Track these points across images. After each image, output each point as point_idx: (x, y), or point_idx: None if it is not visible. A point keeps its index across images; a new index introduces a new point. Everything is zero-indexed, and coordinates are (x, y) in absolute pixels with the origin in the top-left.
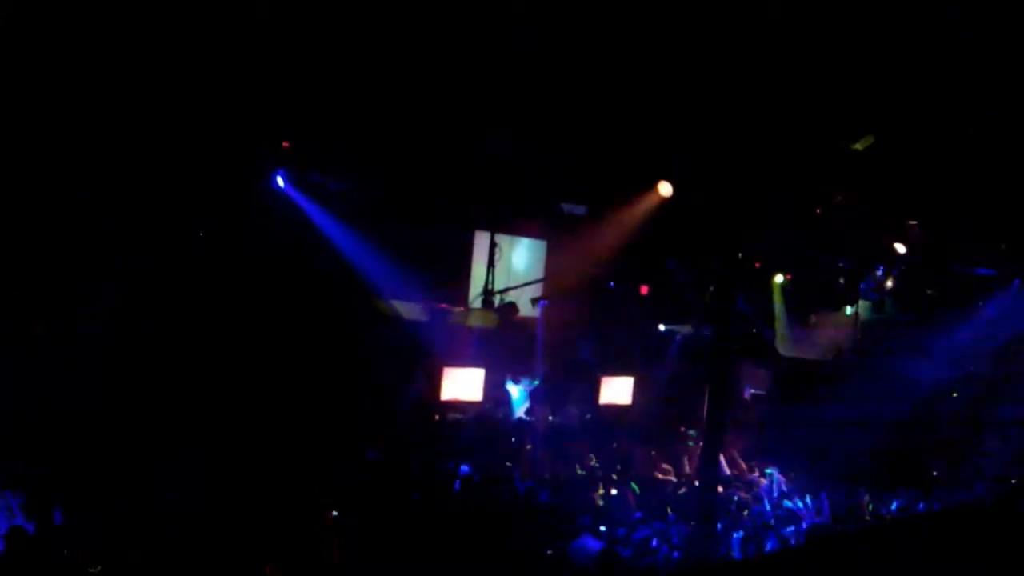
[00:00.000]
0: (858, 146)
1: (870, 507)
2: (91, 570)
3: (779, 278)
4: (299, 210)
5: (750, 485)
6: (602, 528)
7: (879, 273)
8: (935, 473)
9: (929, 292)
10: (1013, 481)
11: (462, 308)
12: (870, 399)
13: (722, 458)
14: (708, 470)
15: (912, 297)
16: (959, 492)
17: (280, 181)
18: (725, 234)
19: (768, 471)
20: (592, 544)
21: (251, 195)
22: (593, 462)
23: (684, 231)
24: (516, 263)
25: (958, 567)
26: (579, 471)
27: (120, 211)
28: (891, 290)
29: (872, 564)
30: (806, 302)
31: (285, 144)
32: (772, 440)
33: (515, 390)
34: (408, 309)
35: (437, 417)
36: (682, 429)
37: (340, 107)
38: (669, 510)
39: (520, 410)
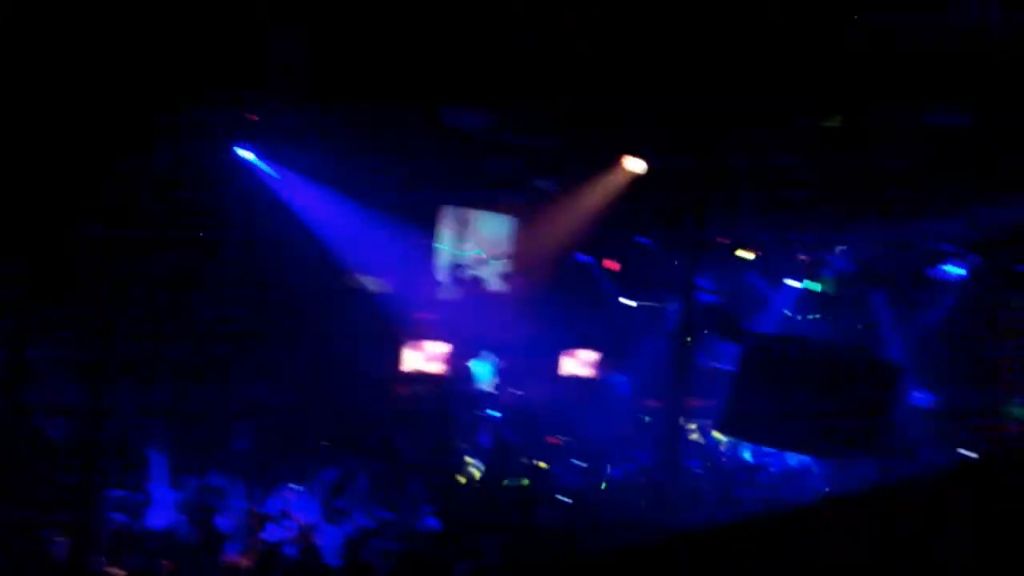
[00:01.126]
0: (827, 124)
1: None
2: None
3: (745, 253)
4: (265, 184)
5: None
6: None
7: (841, 249)
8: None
9: (889, 268)
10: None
11: (429, 282)
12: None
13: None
14: (670, 446)
15: (874, 272)
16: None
17: (247, 154)
18: (692, 211)
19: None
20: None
21: (218, 168)
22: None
23: (653, 207)
24: (484, 238)
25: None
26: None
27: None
28: (852, 266)
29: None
30: (771, 278)
31: (253, 117)
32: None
33: (480, 364)
34: (375, 283)
35: (406, 391)
36: (646, 401)
37: (304, 79)
38: None
39: (487, 384)
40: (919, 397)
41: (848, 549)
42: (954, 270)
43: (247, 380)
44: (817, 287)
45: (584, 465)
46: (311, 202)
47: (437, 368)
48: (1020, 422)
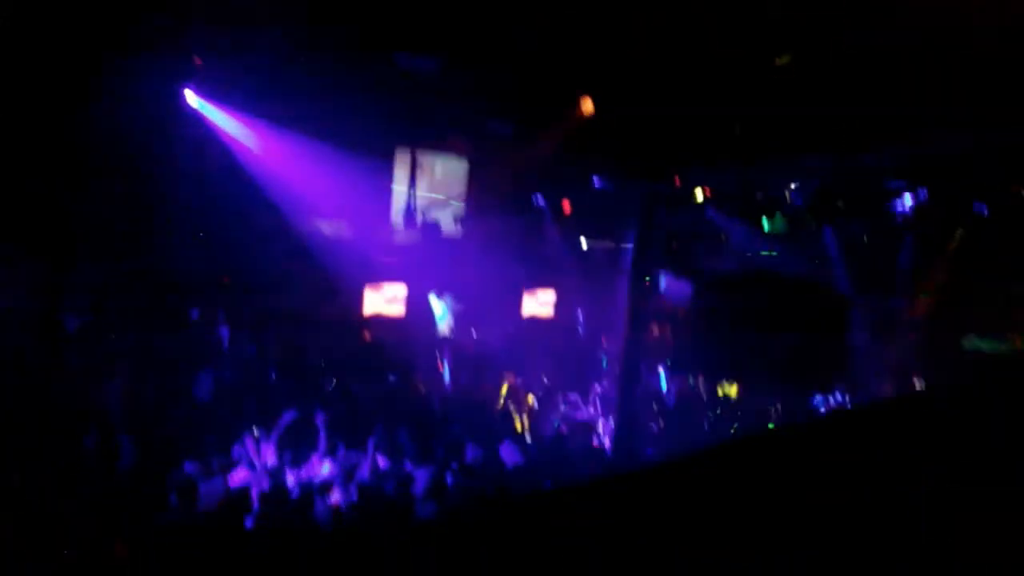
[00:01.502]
0: (780, 61)
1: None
2: None
3: (699, 192)
4: (214, 130)
5: None
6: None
7: (794, 186)
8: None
9: (840, 204)
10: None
11: (385, 226)
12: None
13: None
14: (627, 383)
15: (825, 208)
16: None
17: (192, 97)
18: (647, 151)
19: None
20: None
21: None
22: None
23: (607, 148)
24: (439, 180)
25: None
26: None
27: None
28: (806, 202)
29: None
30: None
31: (197, 60)
32: (693, 351)
33: (438, 307)
34: (331, 227)
35: (365, 334)
36: (603, 341)
37: (251, 20)
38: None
39: (443, 326)
40: (862, 336)
41: (792, 481)
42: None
43: (206, 329)
44: (773, 225)
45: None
46: (262, 147)
47: (395, 310)
48: (986, 354)
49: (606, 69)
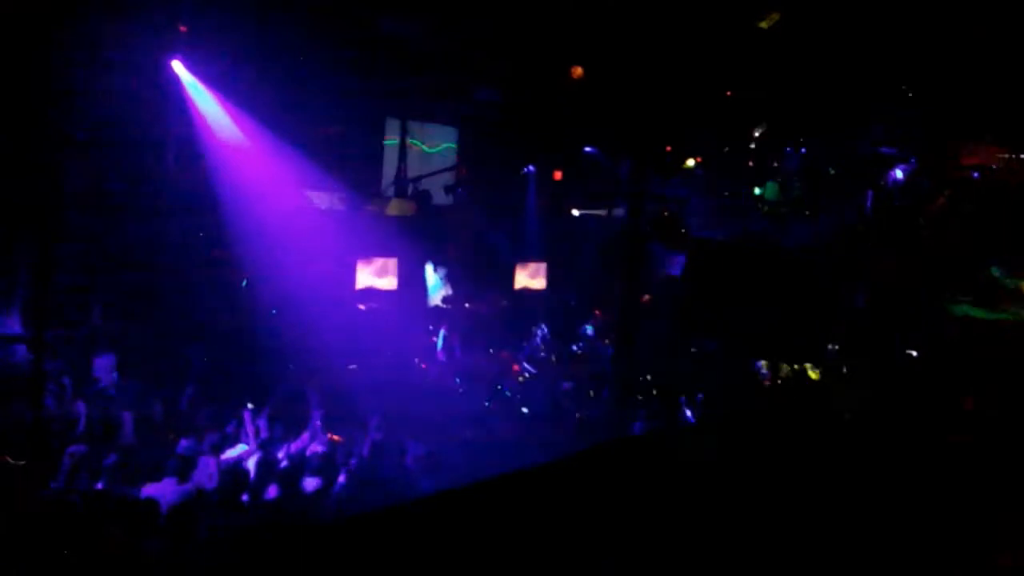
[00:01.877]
0: (764, 24)
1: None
2: None
3: (690, 161)
4: (200, 100)
5: None
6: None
7: (786, 152)
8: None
9: (832, 171)
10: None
11: (377, 197)
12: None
13: None
14: (622, 352)
15: (816, 175)
16: None
17: (178, 67)
18: (637, 118)
19: None
20: None
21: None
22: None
23: (598, 116)
24: (429, 150)
25: None
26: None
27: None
28: (797, 170)
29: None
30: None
31: (182, 28)
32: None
33: (431, 278)
34: (322, 199)
35: (361, 307)
36: (596, 312)
37: None
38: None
39: (436, 297)
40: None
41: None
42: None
43: (200, 304)
44: (764, 192)
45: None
46: (250, 118)
47: (388, 283)
48: (962, 319)
49: (594, 35)
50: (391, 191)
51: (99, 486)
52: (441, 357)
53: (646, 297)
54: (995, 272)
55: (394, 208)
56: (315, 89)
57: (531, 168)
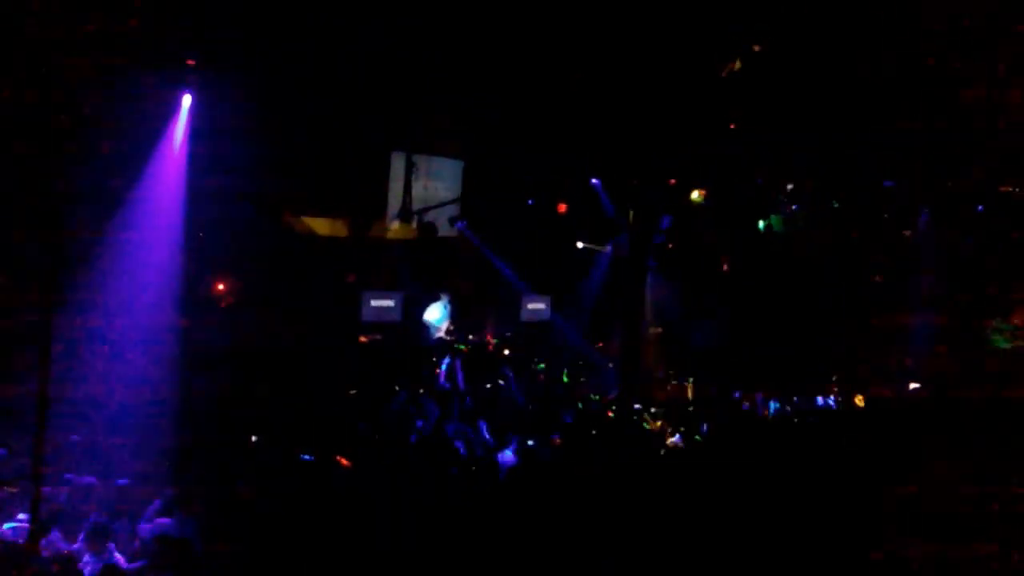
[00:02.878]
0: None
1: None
2: None
3: (695, 194)
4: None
5: None
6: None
7: (789, 188)
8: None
9: (836, 204)
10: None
11: (382, 229)
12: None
13: None
14: (625, 381)
15: (820, 209)
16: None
17: (187, 100)
18: (641, 151)
19: None
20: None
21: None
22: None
23: (603, 150)
24: (434, 183)
25: None
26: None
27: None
28: (801, 203)
29: None
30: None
31: (190, 62)
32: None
33: (436, 310)
34: (327, 227)
35: (364, 339)
36: (599, 344)
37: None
38: None
39: (440, 329)
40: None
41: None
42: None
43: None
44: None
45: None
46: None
47: (393, 316)
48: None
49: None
50: (395, 223)
51: None
52: (444, 386)
53: (656, 330)
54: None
55: (396, 231)
56: (321, 120)
57: (536, 201)
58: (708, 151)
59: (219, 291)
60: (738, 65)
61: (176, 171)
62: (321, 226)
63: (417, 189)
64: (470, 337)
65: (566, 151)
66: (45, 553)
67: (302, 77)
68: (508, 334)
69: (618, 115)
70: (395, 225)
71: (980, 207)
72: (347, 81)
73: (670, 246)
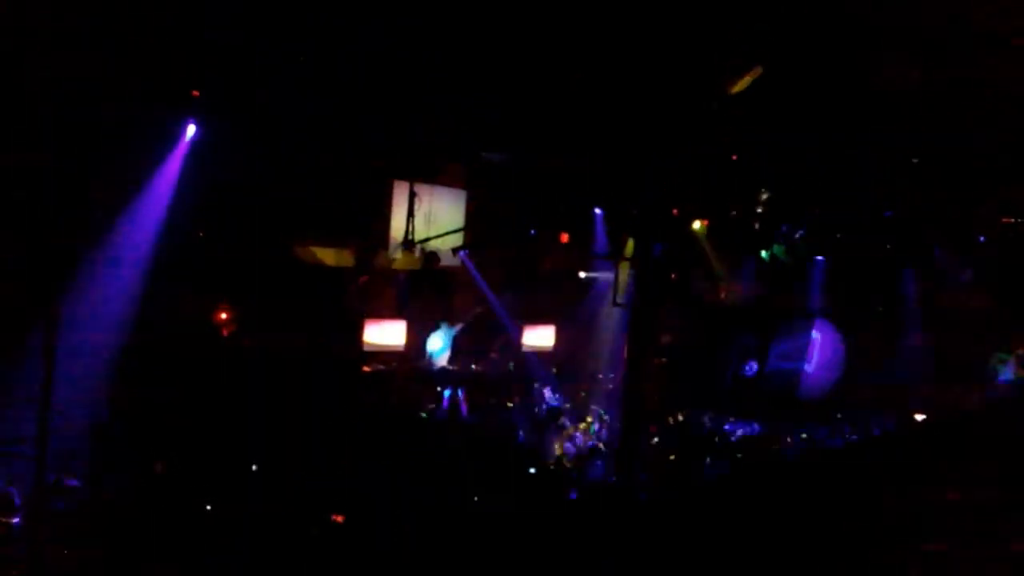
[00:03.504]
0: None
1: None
2: None
3: (697, 224)
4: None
5: None
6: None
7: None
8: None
9: (838, 235)
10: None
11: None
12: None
13: None
14: (629, 414)
15: (822, 240)
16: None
17: (191, 130)
18: (642, 182)
19: None
20: None
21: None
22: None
23: (604, 180)
24: (437, 212)
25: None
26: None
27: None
28: (803, 234)
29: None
30: (724, 247)
31: (194, 93)
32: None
33: (438, 339)
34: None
35: (366, 368)
36: (600, 376)
37: (249, 54)
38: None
39: (443, 359)
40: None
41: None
42: None
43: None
44: (772, 255)
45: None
46: (258, 177)
47: (397, 345)
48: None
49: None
50: (398, 252)
51: None
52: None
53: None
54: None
55: (400, 262)
56: (321, 150)
57: (538, 229)
58: (710, 178)
59: (221, 319)
60: (748, 81)
61: (173, 196)
62: (325, 255)
63: (419, 219)
64: (472, 367)
65: (569, 181)
66: None
67: (305, 105)
68: (511, 364)
69: (619, 140)
70: (398, 255)
71: (982, 238)
72: (350, 110)
73: (673, 276)
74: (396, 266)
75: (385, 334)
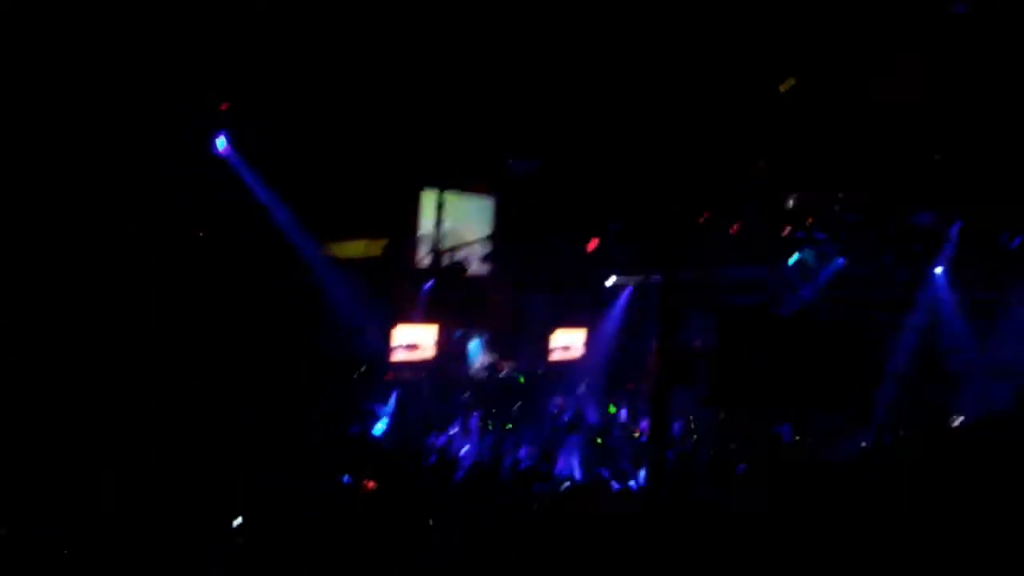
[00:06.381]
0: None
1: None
2: None
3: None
4: (243, 172)
5: None
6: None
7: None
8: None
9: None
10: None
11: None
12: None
13: None
14: (657, 420)
15: (853, 244)
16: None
17: (221, 143)
18: (668, 188)
19: None
20: None
21: (194, 157)
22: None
23: (631, 186)
24: (465, 220)
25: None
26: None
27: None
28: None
29: None
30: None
31: (223, 106)
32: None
33: (471, 346)
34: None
35: (390, 375)
36: (630, 386)
37: (279, 66)
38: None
39: (475, 365)
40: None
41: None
42: None
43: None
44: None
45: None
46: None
47: (428, 351)
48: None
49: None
50: (427, 261)
51: None
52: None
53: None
54: None
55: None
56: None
57: (566, 236)
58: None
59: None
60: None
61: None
62: (354, 249)
63: (447, 227)
64: (501, 374)
65: (596, 188)
66: None
67: (334, 113)
68: (540, 370)
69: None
70: (426, 262)
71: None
72: (380, 120)
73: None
74: (423, 271)
75: (416, 340)
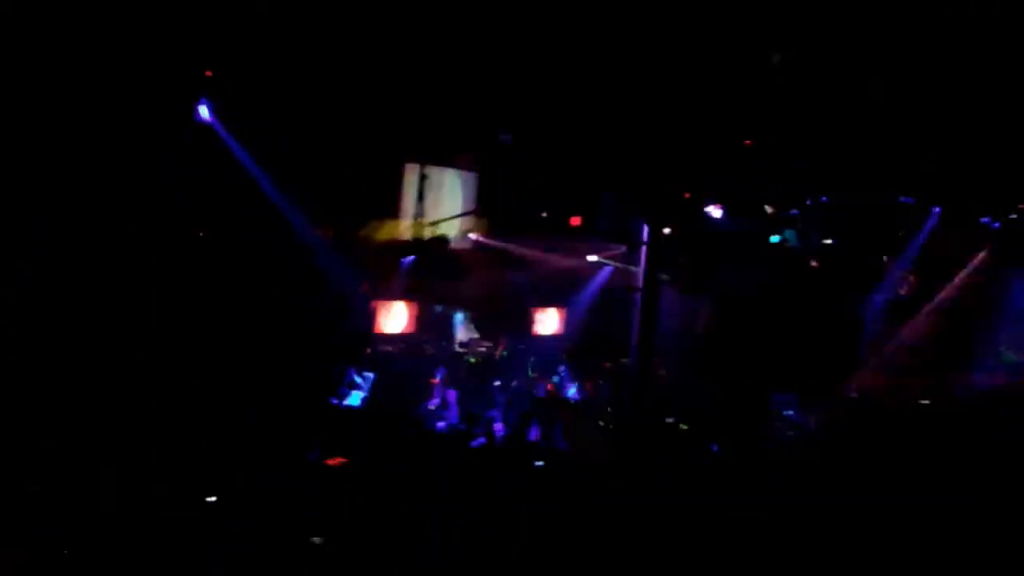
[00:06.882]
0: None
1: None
2: None
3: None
4: (224, 141)
5: None
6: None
7: (809, 202)
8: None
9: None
10: None
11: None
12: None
13: None
14: (638, 399)
15: (833, 225)
16: None
17: (204, 111)
18: (654, 165)
19: None
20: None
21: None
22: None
23: (617, 162)
24: (447, 194)
25: None
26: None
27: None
28: (815, 219)
29: None
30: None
31: (208, 73)
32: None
33: (452, 321)
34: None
35: (368, 350)
36: (606, 365)
37: (262, 33)
38: None
39: (456, 339)
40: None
41: None
42: None
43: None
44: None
45: None
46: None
47: (407, 327)
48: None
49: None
50: (408, 234)
51: None
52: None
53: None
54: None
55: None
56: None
57: (548, 212)
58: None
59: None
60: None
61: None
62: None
63: (429, 200)
64: (480, 349)
65: (581, 163)
66: None
67: (318, 87)
68: (520, 346)
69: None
70: (407, 237)
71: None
72: (362, 94)
73: (682, 260)
74: (404, 246)
75: (395, 316)
